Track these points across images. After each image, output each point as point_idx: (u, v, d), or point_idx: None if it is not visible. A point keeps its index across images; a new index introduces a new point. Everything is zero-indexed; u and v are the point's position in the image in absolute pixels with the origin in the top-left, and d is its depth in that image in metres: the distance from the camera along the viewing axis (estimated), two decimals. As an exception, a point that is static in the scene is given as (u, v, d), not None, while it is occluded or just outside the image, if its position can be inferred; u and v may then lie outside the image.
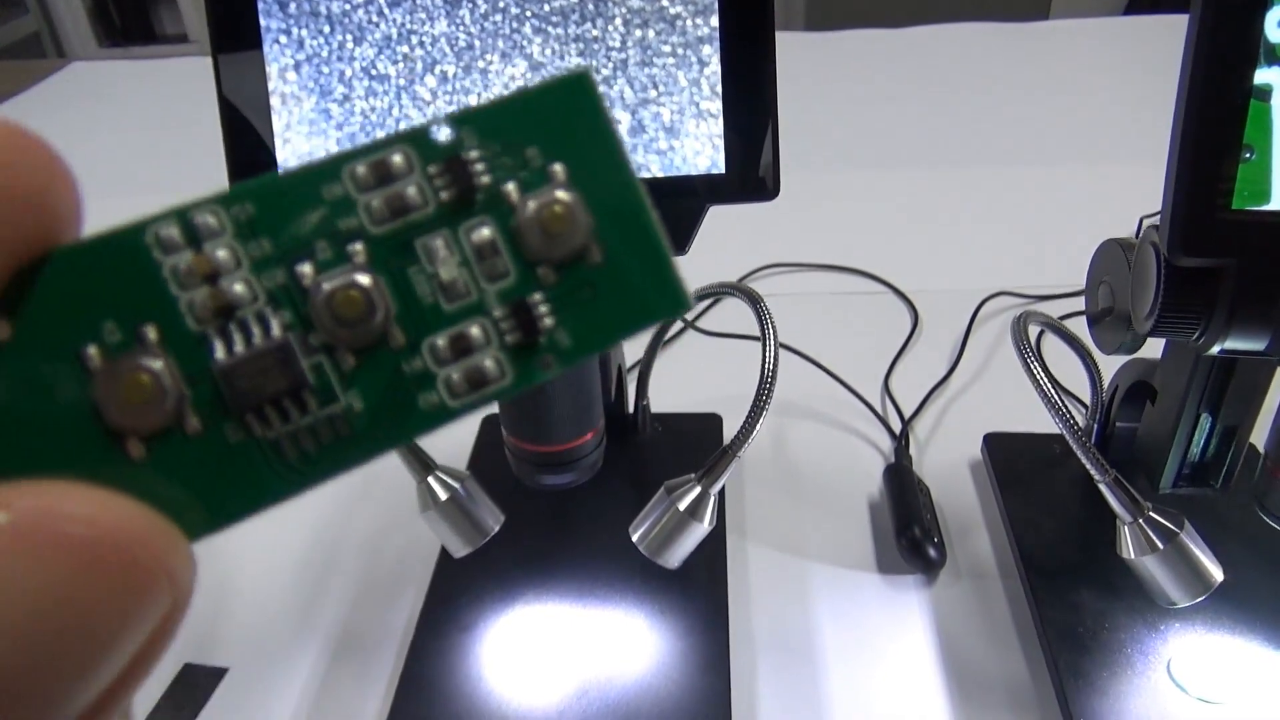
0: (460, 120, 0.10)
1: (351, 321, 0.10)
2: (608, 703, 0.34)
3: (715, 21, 0.28)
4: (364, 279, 0.10)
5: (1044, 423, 0.33)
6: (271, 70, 0.28)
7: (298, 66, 0.28)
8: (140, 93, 1.02)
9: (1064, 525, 0.41)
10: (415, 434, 0.11)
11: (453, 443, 0.47)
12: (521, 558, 0.40)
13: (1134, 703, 0.33)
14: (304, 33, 0.28)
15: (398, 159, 0.10)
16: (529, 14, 0.28)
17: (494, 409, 0.40)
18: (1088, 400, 0.40)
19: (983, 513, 0.44)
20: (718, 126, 0.29)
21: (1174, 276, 0.28)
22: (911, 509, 0.41)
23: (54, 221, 0.09)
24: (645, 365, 0.44)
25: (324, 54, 0.28)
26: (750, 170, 0.29)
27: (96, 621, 0.08)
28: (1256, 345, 0.28)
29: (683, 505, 0.31)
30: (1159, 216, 0.28)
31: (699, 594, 0.38)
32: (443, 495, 0.32)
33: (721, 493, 0.32)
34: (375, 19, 0.28)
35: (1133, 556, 0.30)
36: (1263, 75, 0.25)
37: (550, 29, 0.28)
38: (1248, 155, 0.25)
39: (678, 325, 0.58)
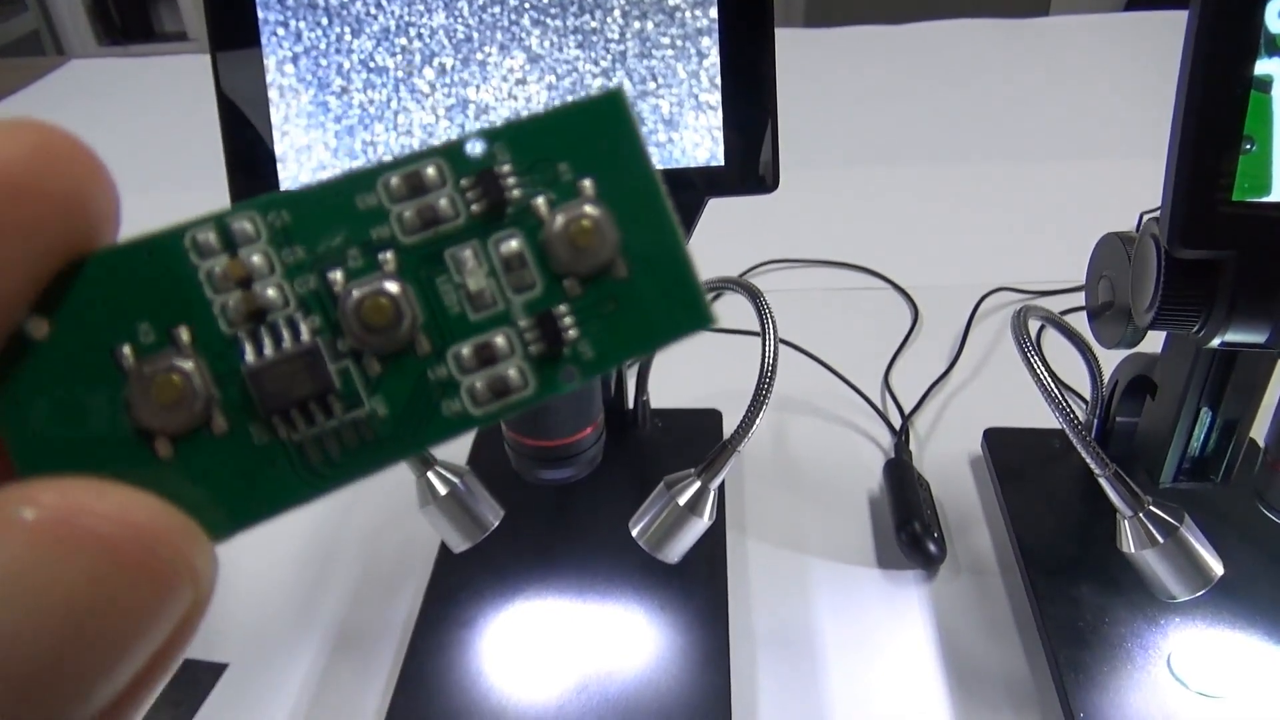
0: (494, 135, 0.11)
1: (379, 328, 0.10)
2: (607, 698, 0.34)
3: (714, 13, 0.28)
4: (393, 287, 0.10)
5: (1044, 418, 0.33)
6: (269, 63, 0.28)
7: (296, 59, 0.28)
8: (139, 91, 1.02)
9: (1064, 520, 0.41)
10: (437, 440, 0.11)
11: (452, 438, 0.47)
12: (521, 553, 0.40)
13: (1134, 697, 0.33)
14: (302, 25, 0.28)
15: (431, 171, 0.10)
16: (527, 5, 0.28)
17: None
18: (1088, 395, 0.40)
19: (983, 508, 0.44)
20: (717, 119, 0.29)
21: (1174, 269, 0.28)
22: (911, 504, 0.41)
23: (93, 223, 0.09)
24: (645, 360, 0.44)
25: (322, 46, 0.28)
26: (749, 163, 0.29)
27: (120, 617, 0.08)
28: (1257, 338, 0.28)
29: (682, 500, 0.31)
30: (1159, 210, 0.27)
31: (699, 589, 0.38)
32: (442, 490, 0.32)
33: (721, 488, 0.32)
34: (373, 11, 0.28)
35: (1132, 551, 0.30)
36: (1263, 66, 0.25)
37: (549, 20, 0.28)
38: (1248, 147, 0.25)
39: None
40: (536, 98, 0.29)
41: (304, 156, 0.29)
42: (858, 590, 0.40)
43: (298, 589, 0.41)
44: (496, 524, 0.33)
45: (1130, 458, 0.37)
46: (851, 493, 0.45)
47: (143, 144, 0.88)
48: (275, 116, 0.29)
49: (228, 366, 0.10)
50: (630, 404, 0.46)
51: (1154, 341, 0.34)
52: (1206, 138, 0.25)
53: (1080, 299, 0.48)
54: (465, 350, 0.11)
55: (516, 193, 0.11)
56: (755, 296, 0.33)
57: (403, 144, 0.29)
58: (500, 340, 0.11)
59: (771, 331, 0.31)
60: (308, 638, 0.39)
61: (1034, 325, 0.35)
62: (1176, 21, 0.25)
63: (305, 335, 0.10)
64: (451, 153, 0.11)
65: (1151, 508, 0.30)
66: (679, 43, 0.28)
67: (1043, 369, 0.32)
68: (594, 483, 0.37)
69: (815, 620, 0.39)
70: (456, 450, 0.46)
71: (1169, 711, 0.32)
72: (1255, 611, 0.35)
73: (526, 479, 0.36)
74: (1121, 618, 0.35)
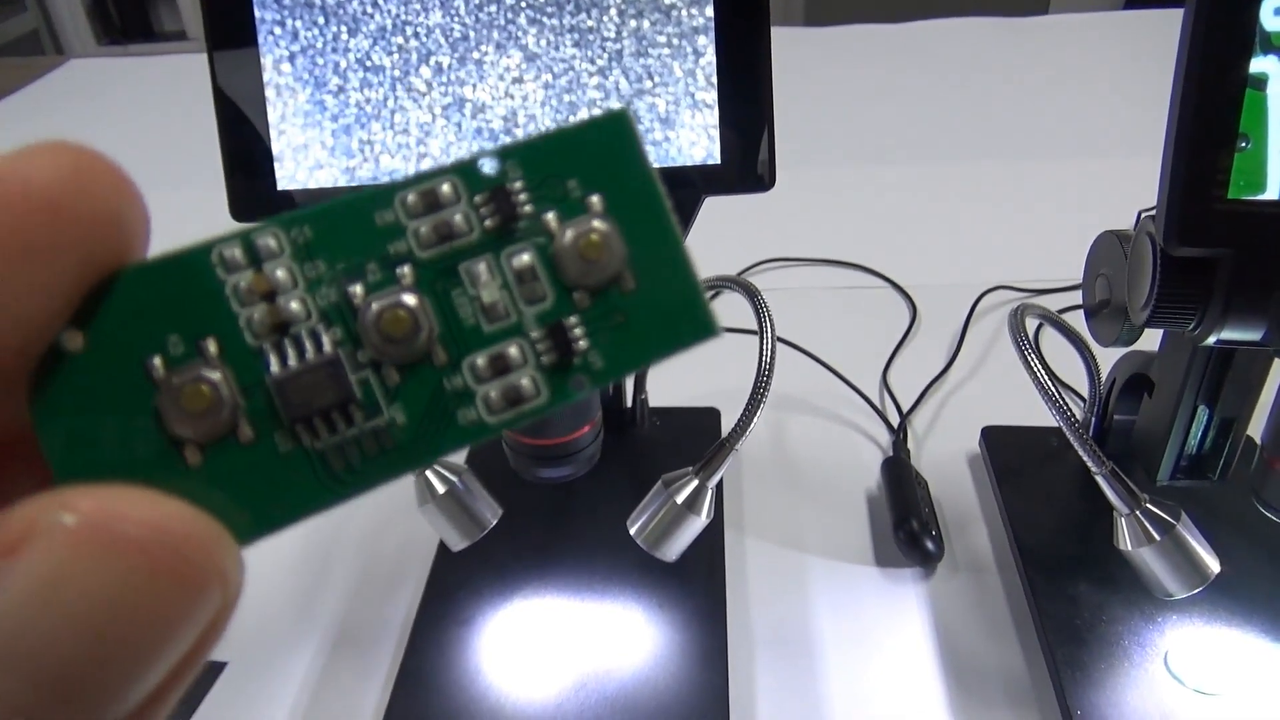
0: (506, 154, 0.11)
1: (398, 339, 0.11)
2: (606, 696, 0.34)
3: (710, 12, 0.28)
4: (410, 299, 0.11)
5: (1042, 416, 0.33)
6: (266, 62, 0.28)
7: (292, 58, 0.28)
8: (139, 90, 1.02)
9: (1062, 518, 0.41)
10: (454, 448, 0.11)
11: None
12: (519, 551, 0.40)
13: (1131, 695, 0.33)
14: (298, 24, 0.28)
15: (446, 188, 0.11)
16: (524, 4, 0.28)
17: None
18: (1086, 393, 0.40)
19: (980, 506, 0.44)
20: (713, 117, 0.29)
21: (1170, 267, 0.28)
22: (909, 502, 0.41)
23: (126, 241, 0.10)
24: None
25: (319, 45, 0.28)
26: (746, 161, 0.29)
27: (154, 619, 0.09)
28: (1252, 335, 0.28)
29: (680, 498, 0.31)
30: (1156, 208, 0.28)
31: (697, 587, 0.38)
32: (440, 489, 0.32)
33: (719, 486, 0.32)
34: (370, 10, 0.28)
35: (1129, 548, 0.30)
36: (1258, 64, 0.25)
37: (545, 19, 0.28)
38: (1243, 145, 0.25)
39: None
40: (533, 96, 0.29)
41: (301, 155, 0.29)
42: (856, 588, 0.40)
43: (297, 587, 0.41)
44: (495, 522, 0.33)
45: (1128, 456, 0.37)
46: (849, 491, 0.45)
47: (142, 143, 0.88)
48: (272, 115, 0.29)
49: (253, 377, 0.10)
50: (628, 402, 0.46)
51: (1151, 339, 0.34)
52: (1202, 136, 0.25)
53: (1078, 297, 0.48)
54: (480, 360, 0.11)
55: (528, 208, 0.11)
56: (753, 295, 0.33)
57: (399, 142, 0.29)
58: (513, 350, 0.11)
59: (769, 330, 0.31)
60: (307, 636, 0.39)
61: (1032, 324, 0.35)
62: (1176, 20, 0.25)
63: (327, 346, 0.11)
64: (466, 170, 0.11)
65: (1148, 505, 0.30)
66: (675, 41, 0.28)
67: (1040, 367, 0.32)
68: (592, 481, 0.37)
69: (813, 618, 0.39)
70: (455, 449, 0.46)
71: (1166, 709, 0.32)
72: (1252, 609, 0.36)
73: (525, 477, 0.36)
74: (1119, 615, 0.36)
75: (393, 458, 0.11)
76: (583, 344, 0.11)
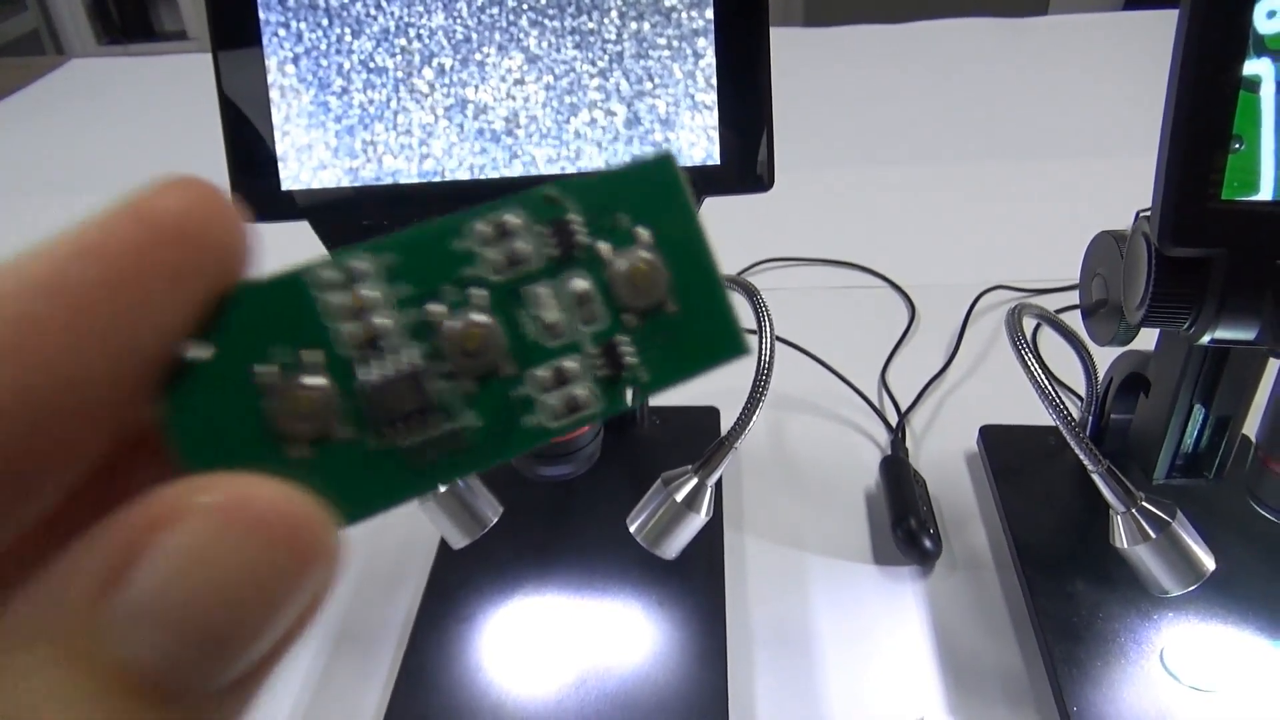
0: (565, 189, 0.13)
1: (472, 353, 0.12)
2: (606, 693, 0.34)
3: (710, 14, 0.28)
4: (483, 318, 0.12)
5: (1039, 415, 0.33)
6: (271, 63, 0.29)
7: (296, 59, 0.29)
8: (139, 90, 1.02)
9: (1059, 516, 0.41)
10: (520, 449, 0.12)
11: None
12: (520, 549, 0.40)
13: (1127, 691, 0.33)
14: (303, 26, 0.28)
15: (513, 219, 0.12)
16: (525, 6, 0.28)
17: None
18: (1083, 392, 0.41)
19: (978, 504, 0.44)
20: (713, 118, 0.29)
21: (1165, 267, 0.28)
22: (908, 501, 0.41)
23: (238, 264, 0.11)
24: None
25: (323, 47, 0.28)
26: (745, 162, 0.30)
27: (277, 586, 0.10)
28: (1246, 335, 0.28)
29: (680, 496, 0.32)
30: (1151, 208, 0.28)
31: (696, 585, 0.38)
32: (441, 487, 0.32)
33: (719, 485, 0.32)
34: (373, 12, 0.28)
35: (1125, 546, 0.30)
36: (1252, 66, 0.25)
37: (546, 21, 0.28)
38: (1237, 146, 0.25)
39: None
40: (534, 97, 0.29)
41: (305, 156, 0.30)
42: (854, 586, 0.40)
43: (298, 585, 0.41)
44: (495, 520, 0.34)
45: (1124, 454, 0.37)
46: (848, 490, 0.45)
47: (143, 143, 0.88)
48: (276, 116, 0.29)
49: (348, 384, 0.12)
50: (628, 402, 0.46)
51: (1148, 339, 0.34)
52: (1196, 137, 0.25)
53: (1076, 297, 0.48)
54: (542, 373, 0.12)
55: (584, 239, 0.12)
56: (752, 295, 0.33)
57: (402, 143, 0.29)
58: (572, 364, 0.12)
59: (768, 329, 0.32)
60: (308, 634, 0.39)
61: (1029, 323, 0.35)
62: (1175, 20, 0.26)
63: (411, 358, 0.12)
64: (530, 203, 0.12)
65: (1144, 504, 0.30)
66: (675, 43, 0.28)
67: (1037, 367, 0.32)
68: (592, 479, 0.37)
69: (812, 615, 0.39)
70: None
71: (1162, 706, 0.33)
72: (1247, 606, 0.36)
73: (525, 476, 0.37)
74: (1115, 613, 0.36)
75: (467, 456, 0.12)
76: (632, 359, 0.13)
